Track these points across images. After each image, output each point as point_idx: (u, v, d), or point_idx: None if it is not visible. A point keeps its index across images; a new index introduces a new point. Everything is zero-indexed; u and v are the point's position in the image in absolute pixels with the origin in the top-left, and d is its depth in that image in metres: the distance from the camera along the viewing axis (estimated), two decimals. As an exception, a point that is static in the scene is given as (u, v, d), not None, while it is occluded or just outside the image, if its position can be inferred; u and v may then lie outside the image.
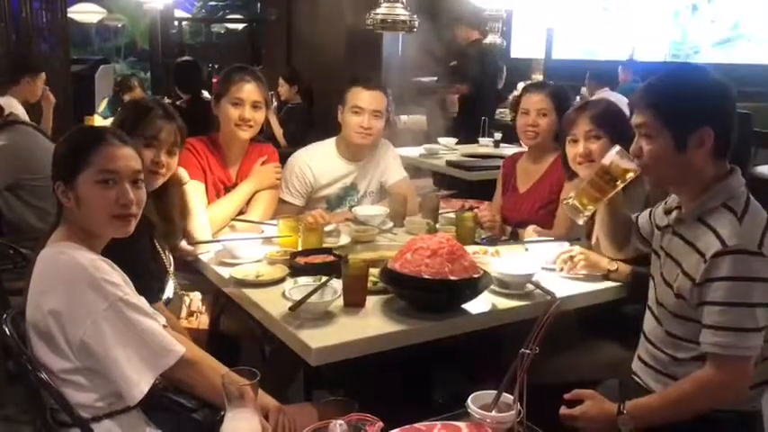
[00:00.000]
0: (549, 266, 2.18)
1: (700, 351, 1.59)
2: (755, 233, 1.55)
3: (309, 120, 5.99)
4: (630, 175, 1.83)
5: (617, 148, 1.85)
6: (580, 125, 2.25)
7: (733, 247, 1.53)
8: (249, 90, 2.61)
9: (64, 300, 1.45)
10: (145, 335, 1.48)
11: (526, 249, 2.37)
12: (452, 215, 2.67)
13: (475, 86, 6.21)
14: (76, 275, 1.46)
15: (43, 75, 4.48)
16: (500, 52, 6.75)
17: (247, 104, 2.60)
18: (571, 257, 2.14)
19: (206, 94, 5.65)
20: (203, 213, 2.37)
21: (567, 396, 1.65)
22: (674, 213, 1.74)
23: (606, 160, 1.86)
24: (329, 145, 2.94)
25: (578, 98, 6.35)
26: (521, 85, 6.29)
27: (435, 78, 6.56)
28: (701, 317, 1.58)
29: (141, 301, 1.55)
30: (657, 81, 1.68)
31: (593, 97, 5.61)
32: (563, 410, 1.63)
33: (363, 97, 2.77)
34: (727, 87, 1.62)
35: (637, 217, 1.97)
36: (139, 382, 1.45)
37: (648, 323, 1.78)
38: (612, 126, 2.20)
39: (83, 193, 1.54)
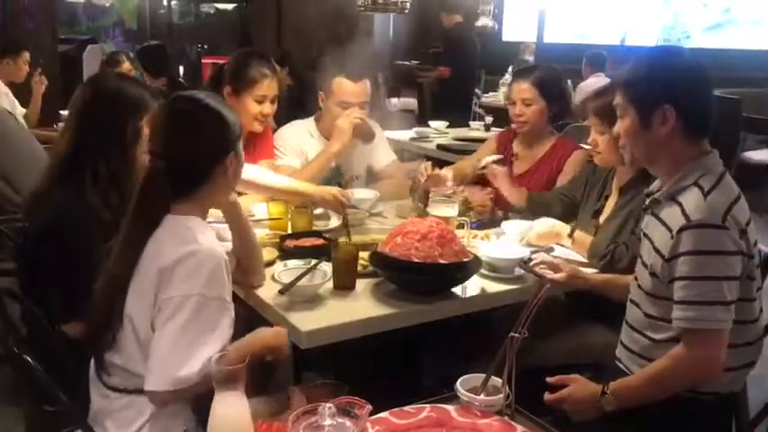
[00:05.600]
0: (537, 248, 2.18)
1: (676, 331, 1.60)
2: (719, 207, 1.56)
3: (299, 102, 5.95)
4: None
5: None
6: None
7: (696, 222, 1.55)
8: (271, 86, 2.53)
9: (177, 260, 1.44)
10: (198, 347, 1.42)
11: (499, 226, 2.36)
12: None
13: (455, 70, 6.20)
14: (206, 257, 1.45)
15: (26, 54, 4.35)
16: (491, 35, 6.72)
17: (269, 100, 2.54)
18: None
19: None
20: None
21: (550, 380, 1.66)
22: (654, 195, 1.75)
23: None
24: (310, 125, 2.85)
25: (569, 82, 6.34)
26: (512, 69, 6.28)
27: (417, 62, 6.54)
28: (673, 294, 1.59)
29: (225, 322, 1.49)
30: (631, 63, 1.72)
31: (587, 81, 5.61)
32: (547, 396, 1.64)
33: (352, 91, 2.66)
34: (697, 68, 1.66)
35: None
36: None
37: (629, 307, 1.80)
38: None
39: (239, 156, 1.63)
